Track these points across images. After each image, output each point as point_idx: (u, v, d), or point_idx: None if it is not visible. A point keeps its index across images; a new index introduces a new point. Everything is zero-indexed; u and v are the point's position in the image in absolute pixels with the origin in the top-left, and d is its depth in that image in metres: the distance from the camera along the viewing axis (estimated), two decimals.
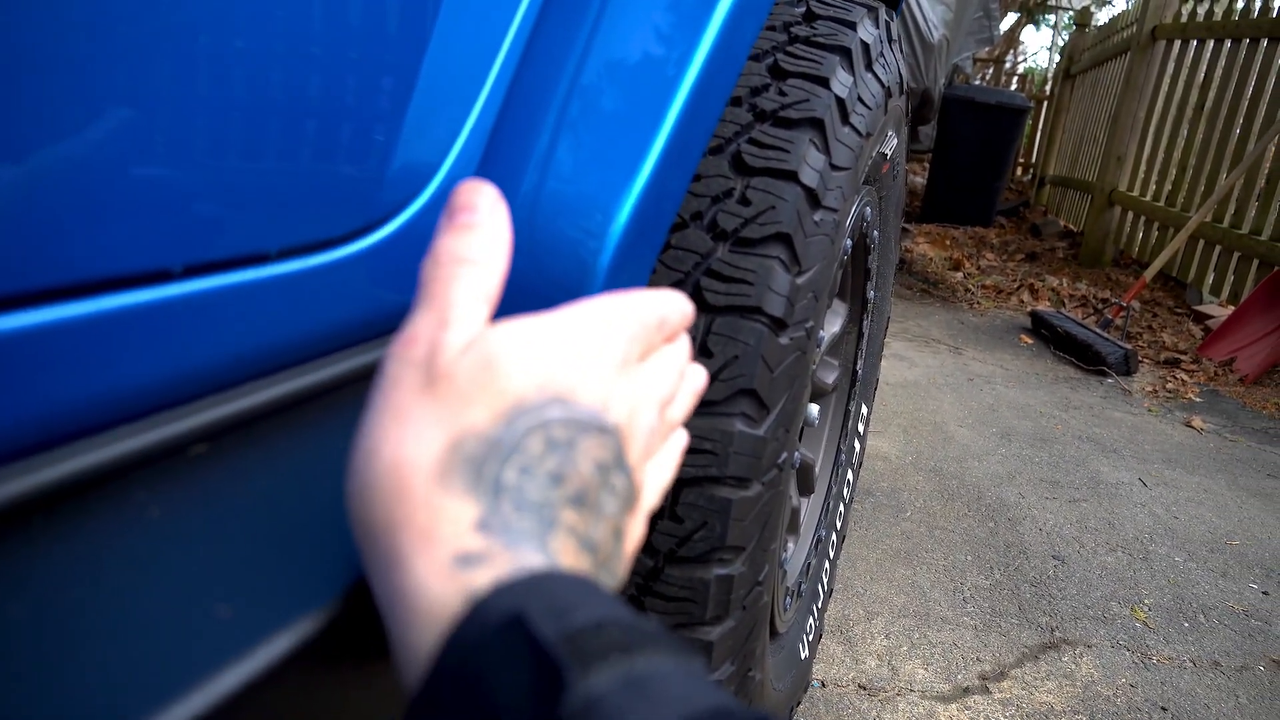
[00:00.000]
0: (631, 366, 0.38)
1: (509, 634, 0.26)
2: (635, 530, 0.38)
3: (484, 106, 0.60)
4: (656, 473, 0.41)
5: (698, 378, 0.45)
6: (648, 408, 0.38)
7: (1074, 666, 1.64)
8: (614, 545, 0.34)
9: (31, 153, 0.29)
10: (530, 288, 0.59)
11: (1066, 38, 9.68)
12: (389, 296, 0.53)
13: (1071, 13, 10.06)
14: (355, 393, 0.48)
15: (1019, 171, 9.09)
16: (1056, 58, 12.16)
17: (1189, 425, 3.09)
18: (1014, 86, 10.35)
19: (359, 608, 0.34)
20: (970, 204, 6.48)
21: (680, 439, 0.44)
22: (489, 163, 0.61)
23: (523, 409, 0.32)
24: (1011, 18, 12.02)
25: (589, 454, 0.33)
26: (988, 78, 10.71)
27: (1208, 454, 2.83)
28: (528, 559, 0.29)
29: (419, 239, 0.55)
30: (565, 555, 0.31)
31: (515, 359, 0.33)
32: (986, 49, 7.29)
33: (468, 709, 0.25)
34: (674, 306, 0.41)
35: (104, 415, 0.33)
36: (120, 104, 0.32)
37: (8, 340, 0.29)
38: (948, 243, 5.94)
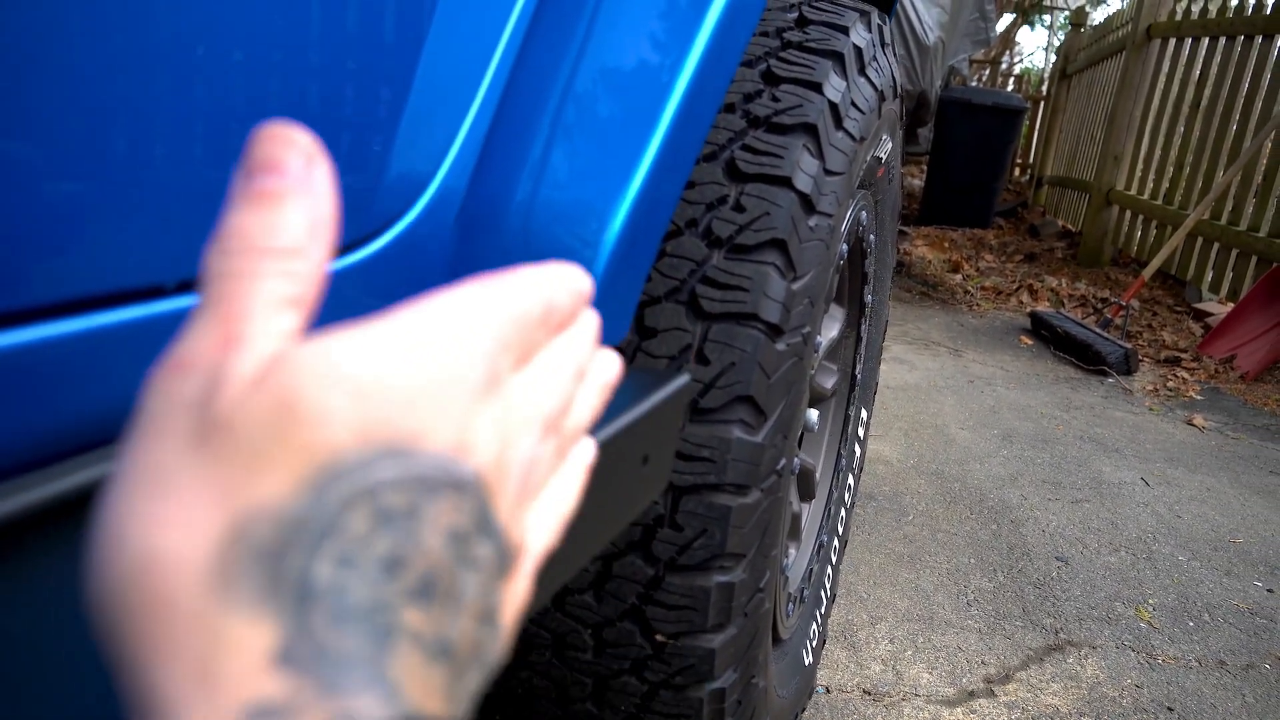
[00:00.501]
0: (502, 381, 0.27)
1: None
2: (517, 594, 0.29)
3: (477, 114, 0.60)
4: (548, 510, 0.31)
5: (608, 368, 0.34)
6: (526, 433, 0.28)
7: (1079, 668, 1.64)
8: (482, 633, 0.26)
9: (25, 169, 0.30)
10: None
11: (1062, 38, 9.70)
12: (381, 306, 0.53)
13: (1067, 13, 10.08)
14: None
15: (1017, 172, 9.10)
16: (1052, 58, 12.18)
17: (1190, 423, 3.09)
18: (1010, 87, 10.38)
19: None
20: (968, 206, 6.48)
21: (584, 452, 0.34)
22: (483, 170, 0.61)
23: (339, 470, 0.22)
24: (1007, 19, 12.04)
25: (438, 523, 0.23)
26: (984, 79, 10.72)
27: (1210, 452, 2.83)
28: (356, 703, 0.20)
29: (416, 248, 0.55)
30: (411, 678, 0.22)
31: (327, 394, 0.22)
32: (982, 50, 7.30)
33: None
34: (562, 285, 0.30)
35: (101, 431, 0.33)
36: (114, 119, 0.32)
37: (6, 356, 0.29)
38: (946, 245, 5.94)
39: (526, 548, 0.30)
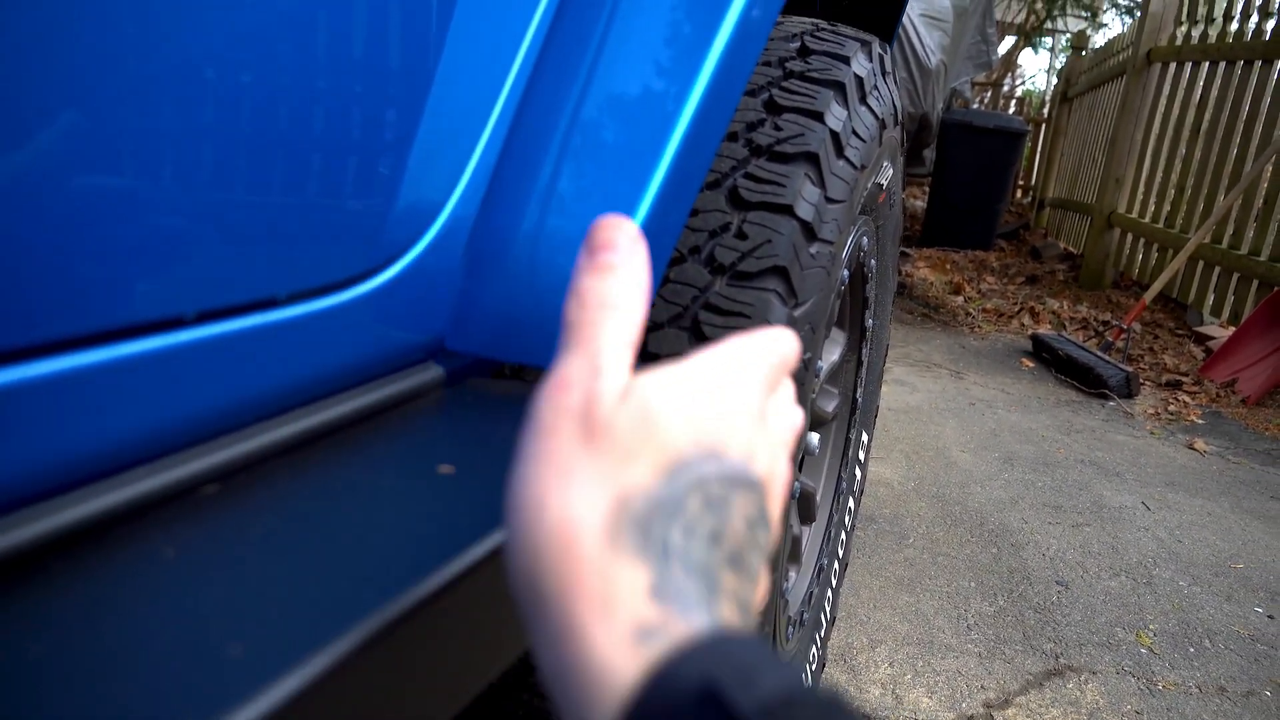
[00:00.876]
0: (766, 412, 0.37)
1: (705, 708, 0.25)
2: (766, 581, 0.37)
3: (487, 144, 0.61)
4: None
5: (799, 418, 0.43)
6: (783, 456, 0.38)
7: (1079, 693, 1.64)
8: (756, 602, 0.34)
9: (44, 203, 0.31)
10: (533, 326, 0.60)
11: (1063, 61, 9.76)
12: (396, 335, 0.54)
13: (1068, 36, 10.15)
14: (364, 430, 0.49)
15: (1018, 194, 9.14)
16: (1054, 81, 12.25)
17: (1191, 448, 3.09)
18: (1012, 110, 10.44)
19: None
20: (970, 227, 6.51)
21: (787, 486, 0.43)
22: (491, 201, 0.62)
23: (682, 464, 0.32)
24: (1009, 41, 12.12)
25: (741, 511, 0.33)
26: (986, 101, 10.78)
27: (1211, 476, 2.83)
28: (698, 622, 0.28)
29: (425, 278, 0.56)
30: (729, 620, 0.30)
31: (672, 411, 0.32)
32: (984, 73, 7.35)
33: None
34: (791, 346, 0.40)
35: (119, 458, 0.34)
36: (132, 157, 0.33)
37: (28, 387, 0.30)
38: (948, 266, 5.96)
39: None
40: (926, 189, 7.36)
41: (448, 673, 0.39)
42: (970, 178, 6.35)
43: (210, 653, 0.29)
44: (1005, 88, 11.74)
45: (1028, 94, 12.64)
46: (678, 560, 0.30)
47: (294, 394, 0.43)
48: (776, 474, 0.37)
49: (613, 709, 0.27)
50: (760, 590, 0.35)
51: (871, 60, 1.06)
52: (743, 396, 0.35)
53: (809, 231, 0.84)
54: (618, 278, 0.34)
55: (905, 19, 5.49)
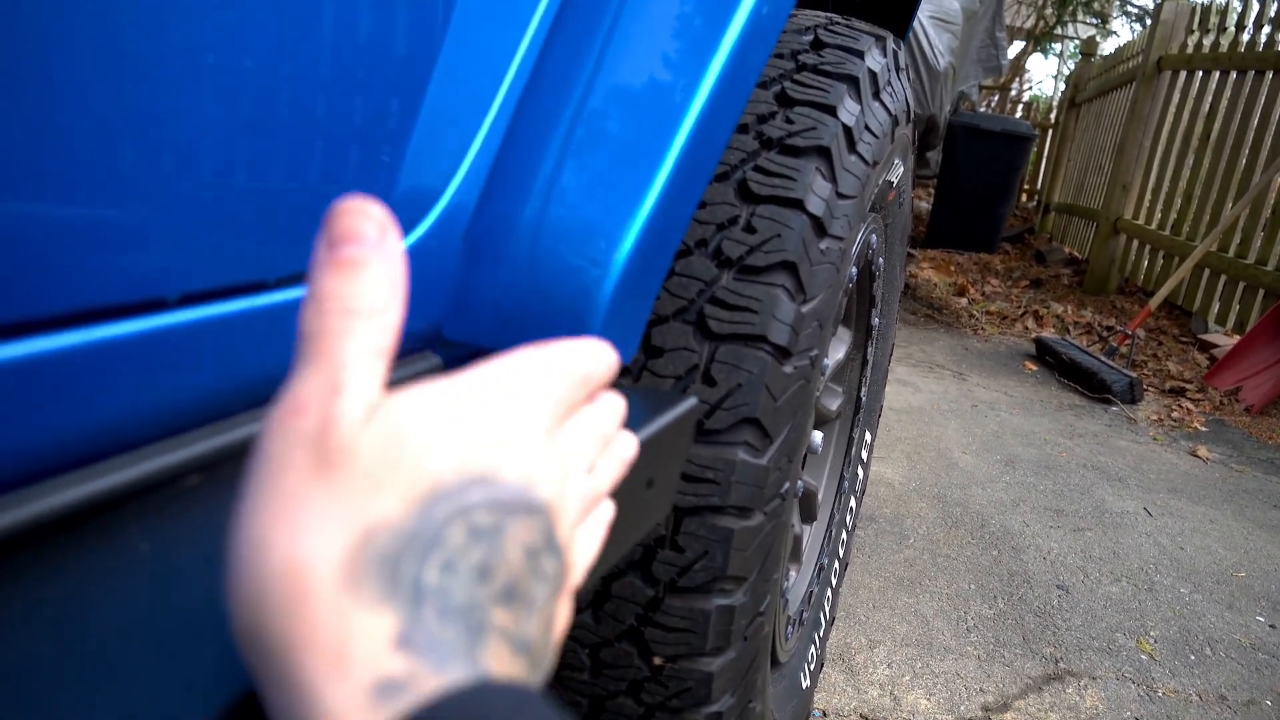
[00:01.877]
0: (557, 430, 0.33)
1: None
2: (563, 613, 0.33)
3: (489, 132, 0.60)
4: (584, 546, 0.37)
5: (627, 446, 0.40)
6: (577, 474, 0.34)
7: (1078, 698, 1.62)
8: (545, 638, 0.31)
9: (20, 172, 0.29)
10: (533, 316, 0.58)
11: (1072, 66, 9.73)
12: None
13: (1077, 42, 10.11)
14: None
15: (1024, 198, 9.11)
16: (1062, 86, 12.21)
17: (1195, 455, 3.07)
18: (1019, 114, 10.39)
19: None
20: (975, 230, 6.49)
21: (606, 511, 0.39)
22: (493, 188, 0.61)
23: (440, 494, 0.28)
24: (1018, 46, 12.09)
25: (517, 539, 0.29)
26: (993, 105, 10.75)
27: (1214, 484, 2.81)
28: (455, 673, 0.25)
29: (422, 265, 0.55)
30: (498, 665, 0.27)
31: (428, 433, 0.29)
32: (994, 77, 7.32)
33: None
34: (599, 360, 0.36)
35: (96, 446, 0.32)
36: (118, 128, 0.32)
37: (6, 368, 0.28)
38: (952, 268, 5.94)
39: (573, 573, 0.34)
40: (932, 190, 7.34)
41: None
42: (976, 180, 6.32)
43: (186, 651, 0.28)
44: (1013, 92, 11.70)
45: (1035, 99, 12.61)
46: (432, 603, 0.26)
47: (283, 382, 0.41)
48: (568, 495, 0.33)
49: None
50: (554, 624, 0.31)
51: (885, 55, 1.04)
52: (523, 413, 0.31)
53: (819, 227, 0.82)
54: (365, 276, 0.29)
55: (915, 21, 5.47)
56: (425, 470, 0.28)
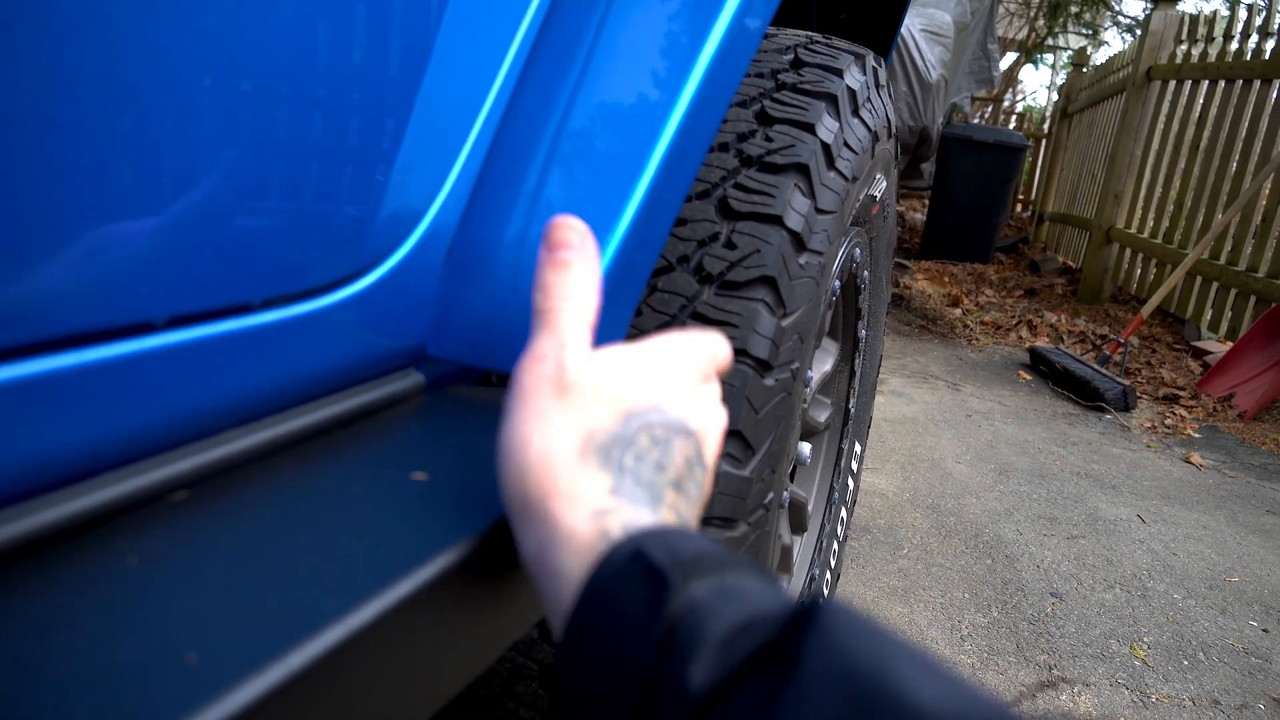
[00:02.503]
0: (698, 387, 0.48)
1: (634, 562, 0.35)
2: (698, 516, 0.46)
3: (471, 151, 0.61)
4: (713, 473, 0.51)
5: (723, 417, 0.52)
6: (717, 418, 0.48)
7: (1073, 705, 1.63)
8: (692, 524, 0.44)
9: (13, 204, 0.31)
10: (516, 332, 0.60)
11: (1064, 77, 9.79)
12: (376, 341, 0.54)
13: (1069, 53, 10.17)
14: (341, 437, 0.48)
15: (1018, 208, 9.15)
16: (1054, 97, 12.28)
17: (1188, 461, 3.08)
18: (1012, 125, 10.45)
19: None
20: (969, 241, 6.52)
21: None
22: (474, 208, 0.62)
23: (633, 413, 0.42)
24: (1010, 58, 12.16)
25: (681, 450, 0.43)
26: (986, 116, 10.81)
27: (1207, 490, 2.82)
28: (644, 517, 0.39)
29: (405, 284, 0.56)
30: (668, 521, 0.40)
31: (625, 374, 0.44)
32: (986, 88, 7.37)
33: (606, 618, 0.34)
34: (723, 348, 0.52)
35: (85, 464, 0.33)
36: (105, 157, 0.33)
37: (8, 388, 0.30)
38: (946, 279, 5.96)
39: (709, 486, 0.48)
40: (925, 202, 7.37)
41: (418, 681, 0.39)
42: (970, 191, 6.36)
43: (171, 662, 0.29)
44: (1006, 103, 11.77)
45: (1028, 109, 12.68)
46: (629, 475, 0.41)
47: (268, 400, 0.43)
48: (711, 431, 0.47)
49: (580, 565, 0.37)
50: (696, 519, 0.45)
51: (865, 73, 1.06)
52: (681, 371, 0.47)
53: (798, 242, 0.84)
54: (574, 271, 0.45)
55: (906, 33, 5.51)
56: (623, 398, 0.43)
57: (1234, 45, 4.74)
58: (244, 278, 0.40)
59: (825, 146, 0.90)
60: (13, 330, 0.31)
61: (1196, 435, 3.38)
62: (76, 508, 0.32)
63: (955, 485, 2.60)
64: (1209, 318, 4.48)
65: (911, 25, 5.69)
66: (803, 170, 0.86)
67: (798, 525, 1.36)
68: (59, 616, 0.30)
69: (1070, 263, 6.60)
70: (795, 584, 1.33)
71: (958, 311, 5.23)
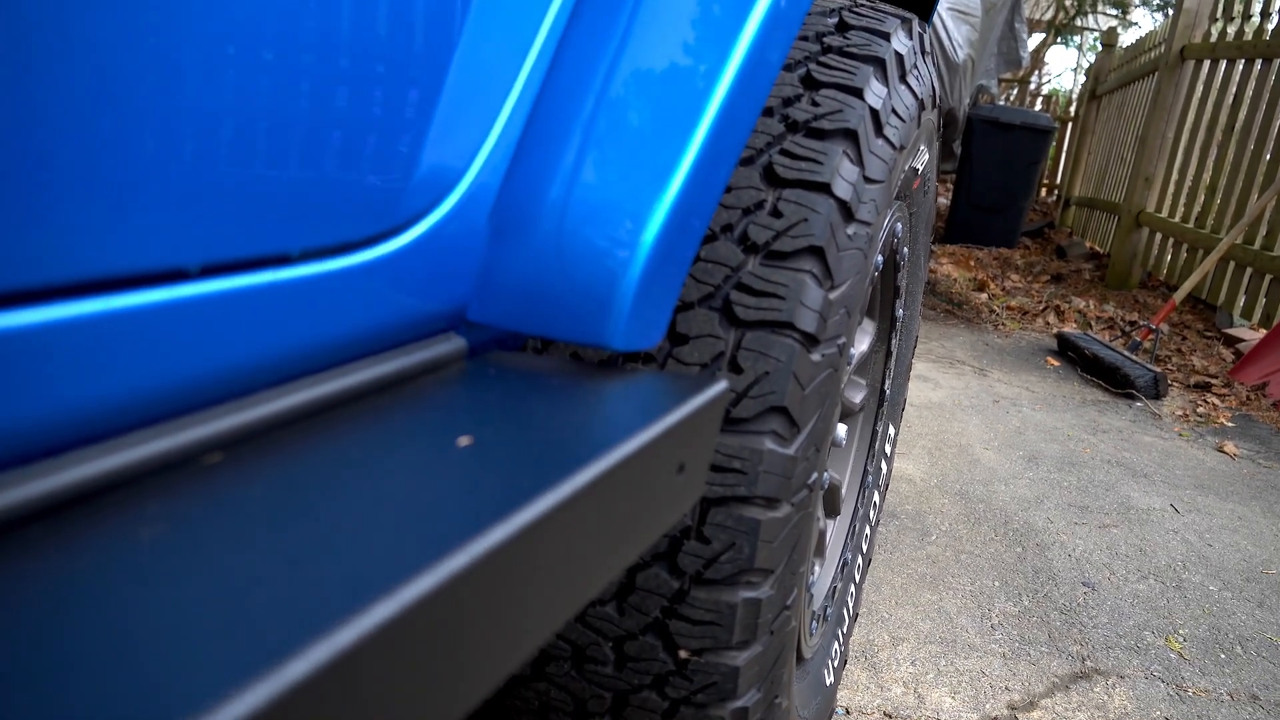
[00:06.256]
0: None
1: None
2: None
3: (511, 115, 0.59)
4: None
5: None
6: None
7: (1106, 698, 1.60)
8: None
9: (40, 136, 0.28)
10: (559, 299, 0.57)
11: (1091, 59, 9.63)
12: (416, 302, 0.51)
13: (1098, 34, 10.01)
14: (380, 401, 0.46)
15: (1044, 192, 9.03)
16: (1080, 78, 12.10)
17: (1221, 450, 3.03)
18: (1039, 107, 10.30)
19: None
20: (994, 225, 6.43)
21: None
22: (516, 171, 0.60)
23: None
24: (1038, 38, 11.98)
25: None
26: (1012, 98, 10.66)
27: (1242, 480, 2.77)
28: None
29: (446, 244, 0.53)
30: None
31: None
32: (1013, 70, 7.26)
33: None
34: None
35: (112, 421, 0.31)
36: (142, 94, 0.31)
37: (11, 338, 0.27)
38: (972, 263, 5.89)
39: None
40: (950, 185, 7.28)
41: (466, 663, 0.36)
42: (996, 174, 6.26)
43: (205, 638, 0.27)
44: (1032, 85, 11.60)
45: (1054, 92, 12.50)
46: None
47: (306, 359, 0.40)
48: None
49: None
50: None
51: (911, 38, 1.02)
52: None
53: (846, 211, 0.80)
54: None
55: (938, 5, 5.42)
56: None
57: (1271, 23, 4.63)
58: (283, 226, 0.37)
59: (874, 112, 0.87)
60: (36, 270, 0.28)
61: (1230, 424, 3.32)
62: (104, 466, 0.29)
63: (984, 471, 2.56)
64: (1242, 304, 4.40)
65: (940, 4, 5.60)
66: (851, 136, 0.83)
67: (831, 508, 1.33)
68: (84, 584, 0.27)
69: (1097, 248, 6.51)
70: (828, 567, 1.30)
71: (983, 296, 5.16)
